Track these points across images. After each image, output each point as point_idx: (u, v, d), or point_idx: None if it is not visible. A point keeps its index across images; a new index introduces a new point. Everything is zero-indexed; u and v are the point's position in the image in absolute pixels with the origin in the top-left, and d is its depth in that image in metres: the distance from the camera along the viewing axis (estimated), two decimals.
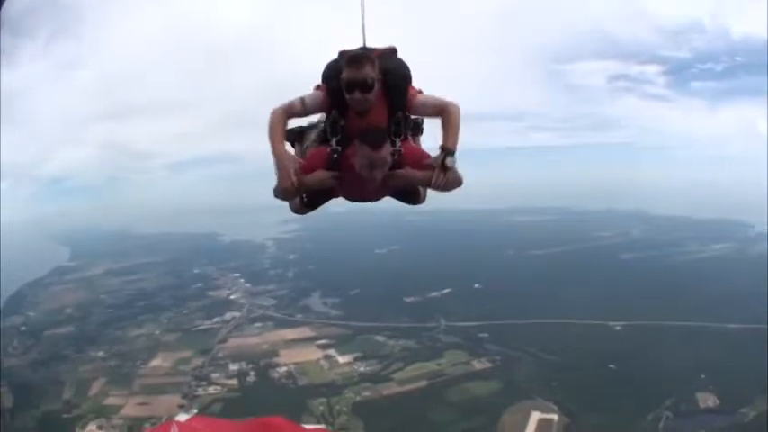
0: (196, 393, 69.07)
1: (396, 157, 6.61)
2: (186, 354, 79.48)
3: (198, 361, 77.58)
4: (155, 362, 77.08)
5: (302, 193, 7.29)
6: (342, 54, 6.98)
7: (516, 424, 65.17)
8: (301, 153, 7.68)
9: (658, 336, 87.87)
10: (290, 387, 72.11)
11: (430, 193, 7.36)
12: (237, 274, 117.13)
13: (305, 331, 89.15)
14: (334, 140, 6.71)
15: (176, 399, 67.37)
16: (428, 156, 6.75)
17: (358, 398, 69.52)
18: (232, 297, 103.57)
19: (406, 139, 6.98)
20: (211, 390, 70.10)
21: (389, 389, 72.26)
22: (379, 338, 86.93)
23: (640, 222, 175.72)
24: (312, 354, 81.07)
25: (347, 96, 6.35)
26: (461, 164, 6.80)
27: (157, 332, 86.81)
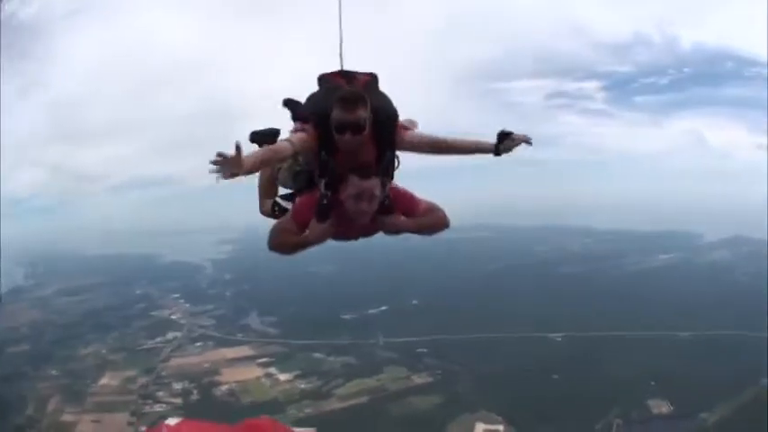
0: (144, 411, 68.90)
1: (385, 198, 6.72)
2: (132, 373, 79.39)
3: (143, 380, 77.48)
4: (103, 380, 76.87)
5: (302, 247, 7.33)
6: (323, 81, 7.33)
7: None
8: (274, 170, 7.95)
9: (601, 346, 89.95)
10: (234, 405, 72.28)
11: None
12: (177, 295, 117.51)
13: (245, 350, 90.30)
14: (323, 182, 6.70)
15: (126, 417, 67.77)
16: (417, 200, 7.06)
17: (301, 415, 70.19)
18: (173, 317, 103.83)
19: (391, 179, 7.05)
20: (158, 408, 69.54)
21: (331, 405, 73.46)
22: (318, 356, 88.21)
23: (580, 237, 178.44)
24: (253, 372, 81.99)
25: (337, 137, 6.37)
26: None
27: (104, 351, 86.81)
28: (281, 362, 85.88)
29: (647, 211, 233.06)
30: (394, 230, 7.06)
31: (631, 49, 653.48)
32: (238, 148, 5.38)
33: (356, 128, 6.21)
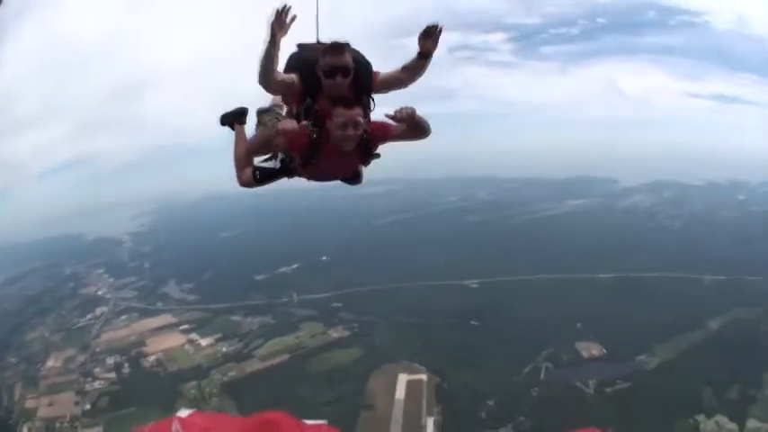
0: (85, 390, 70.77)
1: (364, 132, 7.56)
2: (72, 352, 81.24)
3: (81, 357, 79.46)
4: (50, 362, 78.85)
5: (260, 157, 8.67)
6: (303, 46, 8.24)
7: (385, 388, 68.41)
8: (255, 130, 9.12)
9: (519, 290, 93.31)
10: (162, 375, 75.27)
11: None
12: (102, 270, 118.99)
13: (167, 318, 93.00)
14: (309, 123, 7.57)
15: (72, 396, 69.24)
16: (392, 126, 7.75)
17: (225, 378, 73.16)
18: (99, 293, 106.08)
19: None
20: (97, 385, 72.33)
21: (253, 366, 76.42)
22: (236, 318, 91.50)
23: (487, 186, 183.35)
24: (176, 340, 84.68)
25: (327, 81, 7.31)
26: None
27: (47, 334, 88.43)
28: (202, 327, 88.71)
29: (556, 160, 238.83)
30: (385, 138, 7.95)
31: (542, 1, 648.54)
32: (293, 17, 6.91)
33: (345, 70, 7.24)
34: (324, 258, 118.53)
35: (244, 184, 8.72)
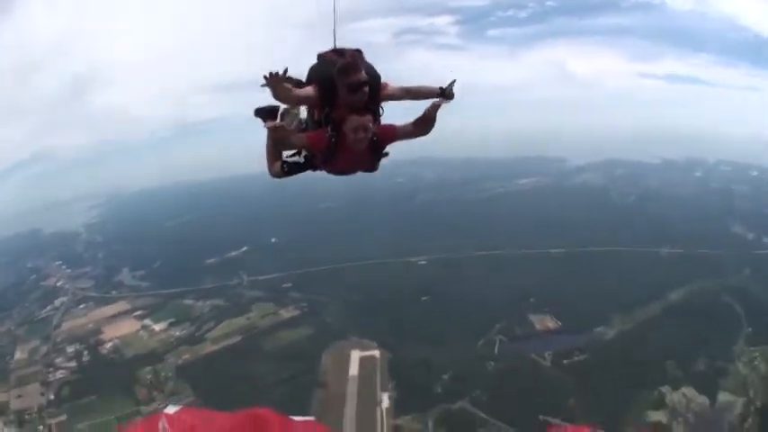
0: (49, 380, 71.95)
1: (374, 135, 8.55)
2: (35, 343, 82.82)
3: (44, 348, 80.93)
4: (17, 355, 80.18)
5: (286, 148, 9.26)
6: (320, 57, 9.22)
7: (338, 365, 69.99)
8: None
9: (468, 266, 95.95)
10: (118, 361, 76.91)
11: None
12: (60, 262, 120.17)
13: (122, 305, 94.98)
14: (329, 128, 8.49)
15: (38, 387, 70.56)
16: (396, 127, 8.88)
17: (180, 361, 74.85)
18: (59, 284, 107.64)
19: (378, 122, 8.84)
20: (59, 374, 73.70)
21: (206, 348, 78.53)
22: (188, 302, 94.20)
23: (433, 166, 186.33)
24: (131, 326, 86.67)
25: (351, 95, 8.19)
26: None
27: (12, 327, 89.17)
28: (155, 312, 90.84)
29: (504, 141, 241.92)
30: (398, 138, 8.96)
31: None
32: (285, 71, 7.58)
33: (362, 85, 8.15)
34: (273, 240, 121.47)
35: (274, 175, 9.47)
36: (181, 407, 13.88)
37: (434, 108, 8.55)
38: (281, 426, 12.98)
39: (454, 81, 8.90)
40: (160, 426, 11.98)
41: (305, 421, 14.20)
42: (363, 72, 8.24)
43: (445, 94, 8.93)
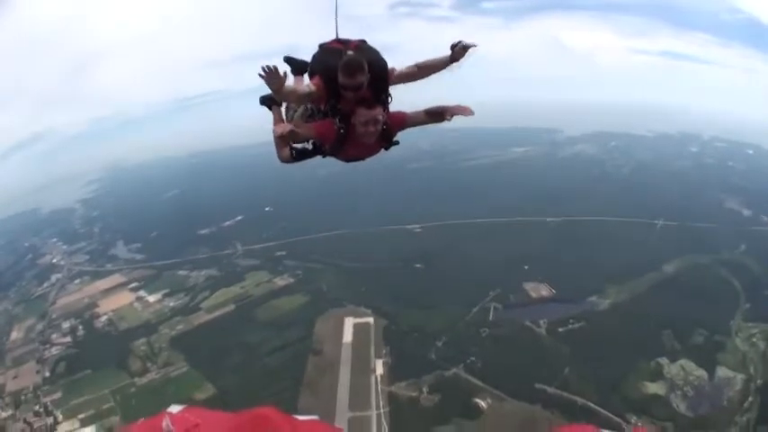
0: (44, 357, 72.26)
1: (384, 123, 8.71)
2: (31, 321, 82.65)
3: (40, 326, 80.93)
4: (14, 335, 79.92)
5: (294, 142, 9.33)
6: (324, 48, 9.28)
7: (332, 332, 70.21)
8: (284, 115, 10.16)
9: (463, 234, 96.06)
10: (113, 334, 77.13)
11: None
12: (56, 239, 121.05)
13: (117, 278, 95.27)
14: (337, 119, 8.64)
15: (34, 366, 70.63)
16: (406, 115, 9.10)
17: (174, 332, 75.21)
18: (54, 261, 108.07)
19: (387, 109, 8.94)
20: (54, 351, 73.88)
21: (200, 318, 78.62)
22: (182, 272, 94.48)
23: (429, 136, 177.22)
24: (126, 298, 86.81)
25: (344, 93, 8.33)
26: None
27: (10, 307, 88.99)
28: (149, 284, 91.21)
29: (498, 112, 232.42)
30: (409, 125, 9.24)
31: None
32: (285, 74, 7.68)
33: (357, 88, 8.23)
34: (267, 209, 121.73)
35: (283, 160, 9.70)
36: (184, 406, 13.84)
37: (454, 111, 8.75)
38: (285, 425, 12.96)
39: (460, 42, 8.58)
40: (164, 425, 12.01)
41: (309, 420, 14.26)
42: (360, 76, 8.19)
43: (455, 56, 8.68)
